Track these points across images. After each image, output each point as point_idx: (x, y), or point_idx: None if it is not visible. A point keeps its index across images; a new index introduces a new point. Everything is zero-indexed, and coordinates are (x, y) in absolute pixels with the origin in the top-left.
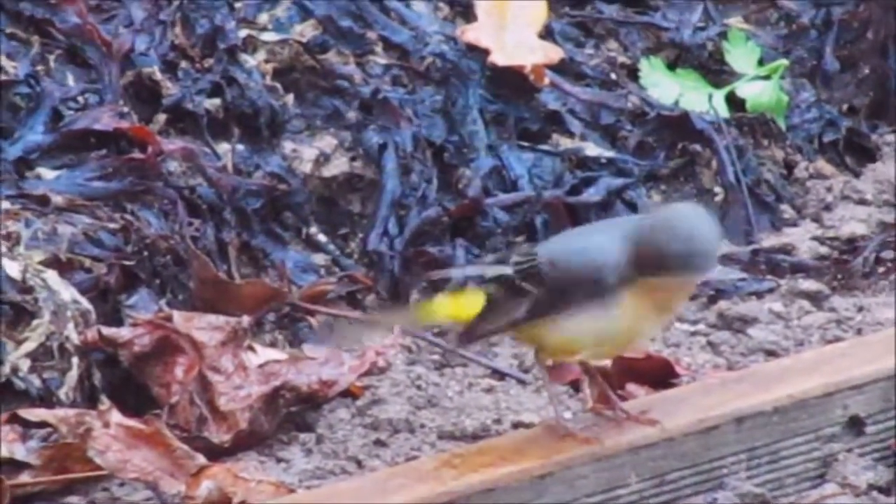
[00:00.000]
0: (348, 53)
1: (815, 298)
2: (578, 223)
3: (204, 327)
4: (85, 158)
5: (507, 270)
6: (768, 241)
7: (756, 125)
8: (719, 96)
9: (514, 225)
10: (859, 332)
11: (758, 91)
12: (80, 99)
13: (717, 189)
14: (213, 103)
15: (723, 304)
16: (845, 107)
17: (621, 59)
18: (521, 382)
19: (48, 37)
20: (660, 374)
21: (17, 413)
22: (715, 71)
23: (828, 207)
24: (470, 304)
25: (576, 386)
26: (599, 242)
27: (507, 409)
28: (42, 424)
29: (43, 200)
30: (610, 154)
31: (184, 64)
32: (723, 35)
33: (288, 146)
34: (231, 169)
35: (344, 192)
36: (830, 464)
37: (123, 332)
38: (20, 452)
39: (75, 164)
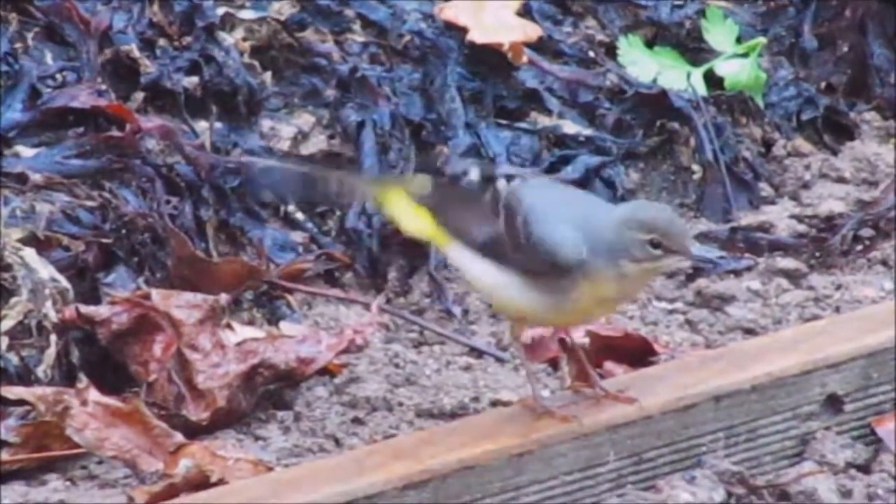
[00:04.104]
0: (326, 31)
1: (794, 276)
2: None
3: (182, 305)
4: (63, 136)
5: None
6: (746, 219)
7: (734, 103)
8: (697, 74)
9: None
10: (837, 310)
11: (736, 69)
12: (59, 77)
13: (695, 167)
14: (191, 81)
15: (701, 282)
16: (823, 85)
17: (599, 36)
18: (499, 360)
19: (26, 14)
20: (638, 353)
21: None
22: (693, 49)
23: (806, 185)
24: (419, 222)
25: (554, 364)
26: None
27: (484, 387)
28: (20, 402)
29: (21, 178)
30: (588, 132)
31: (162, 42)
32: (701, 13)
33: (266, 124)
34: (209, 147)
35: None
36: (808, 442)
37: (101, 310)
38: None
39: (53, 141)
